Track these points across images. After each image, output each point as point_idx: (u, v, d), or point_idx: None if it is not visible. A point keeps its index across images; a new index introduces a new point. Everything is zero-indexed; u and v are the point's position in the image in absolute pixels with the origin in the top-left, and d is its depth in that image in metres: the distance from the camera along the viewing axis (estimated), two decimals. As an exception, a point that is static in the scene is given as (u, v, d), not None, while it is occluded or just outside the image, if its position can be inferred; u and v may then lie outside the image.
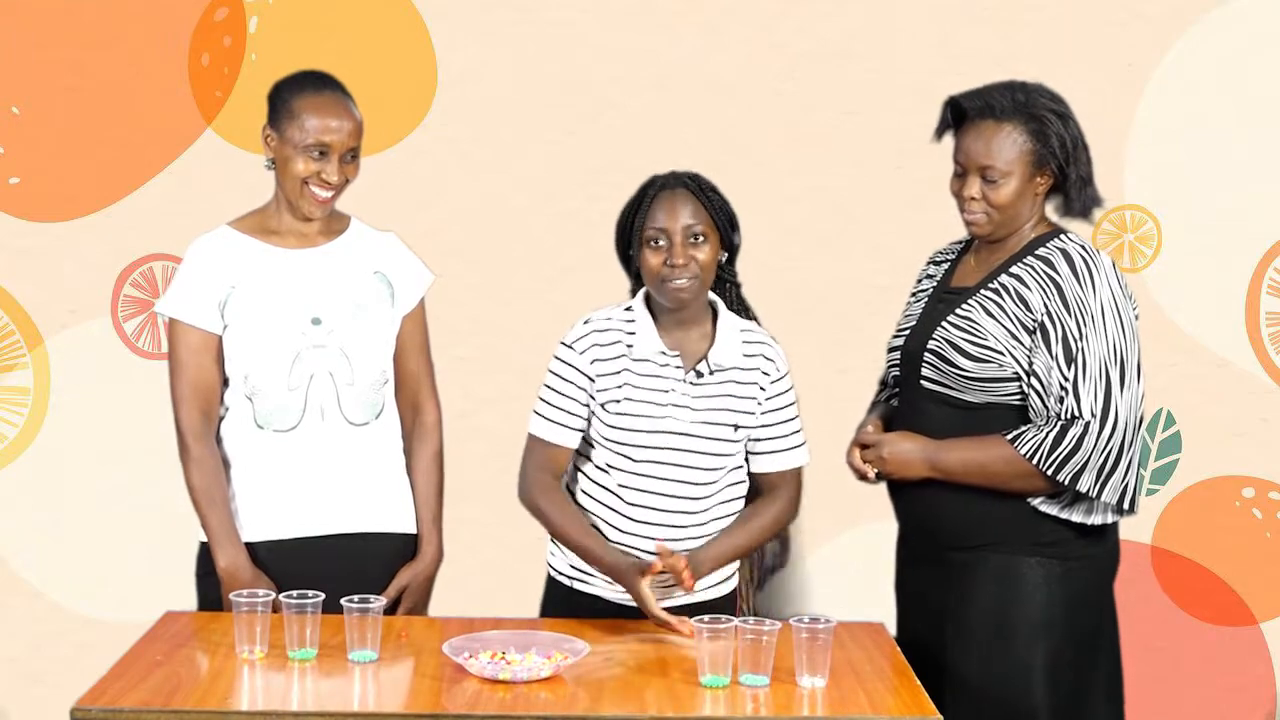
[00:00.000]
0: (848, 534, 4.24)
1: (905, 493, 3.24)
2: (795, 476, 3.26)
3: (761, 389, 3.18)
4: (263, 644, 2.92)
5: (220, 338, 3.30)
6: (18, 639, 4.31)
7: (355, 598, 2.90)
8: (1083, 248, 3.13)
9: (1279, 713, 4.43)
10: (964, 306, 3.15)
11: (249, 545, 3.28)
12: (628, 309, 3.20)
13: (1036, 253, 3.14)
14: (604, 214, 3.32)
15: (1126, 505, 3.11)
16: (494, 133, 4.27)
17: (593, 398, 3.17)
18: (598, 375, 3.16)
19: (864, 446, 3.24)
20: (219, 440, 3.32)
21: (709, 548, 3.17)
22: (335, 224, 3.39)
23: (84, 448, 4.29)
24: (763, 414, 3.19)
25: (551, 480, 3.21)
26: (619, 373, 3.15)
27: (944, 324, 3.16)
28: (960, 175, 3.17)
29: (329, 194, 3.28)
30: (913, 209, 4.17)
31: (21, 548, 4.31)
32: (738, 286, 3.29)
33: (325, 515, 3.31)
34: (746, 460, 3.24)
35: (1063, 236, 3.16)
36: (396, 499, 3.39)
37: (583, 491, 3.23)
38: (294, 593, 2.92)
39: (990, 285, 3.15)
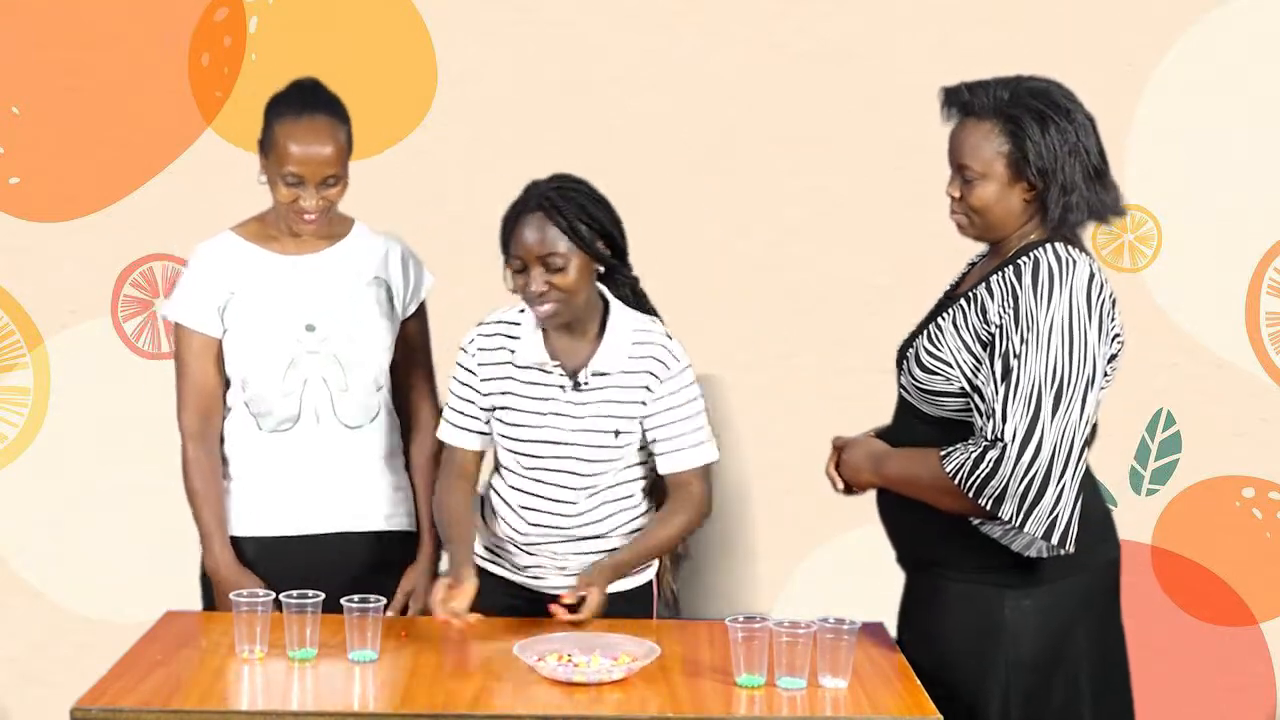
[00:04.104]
0: (848, 535, 4.24)
1: (880, 505, 3.14)
2: (701, 475, 3.19)
3: (649, 389, 3.15)
4: (263, 644, 2.92)
5: (220, 341, 3.31)
6: (18, 639, 4.31)
7: (355, 597, 2.91)
8: (1059, 259, 2.88)
9: (1279, 713, 4.42)
10: (943, 315, 3.02)
11: (241, 539, 3.30)
12: (522, 310, 3.20)
13: (1017, 261, 2.93)
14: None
15: (1056, 540, 2.85)
16: (494, 133, 4.26)
17: (485, 398, 3.20)
18: (484, 379, 3.20)
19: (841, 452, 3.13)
20: (221, 439, 3.34)
21: (608, 560, 3.13)
22: (337, 228, 3.38)
23: (84, 448, 4.28)
24: (656, 414, 3.15)
25: (457, 481, 3.22)
26: (503, 379, 3.18)
27: (923, 331, 3.05)
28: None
29: (312, 217, 3.28)
30: (913, 209, 4.17)
31: (21, 548, 4.31)
32: (633, 283, 3.25)
33: (316, 513, 3.33)
34: (654, 460, 3.21)
35: (1047, 245, 2.91)
36: (390, 499, 3.39)
37: (493, 488, 3.27)
38: (294, 592, 2.92)
39: (970, 294, 2.98)
